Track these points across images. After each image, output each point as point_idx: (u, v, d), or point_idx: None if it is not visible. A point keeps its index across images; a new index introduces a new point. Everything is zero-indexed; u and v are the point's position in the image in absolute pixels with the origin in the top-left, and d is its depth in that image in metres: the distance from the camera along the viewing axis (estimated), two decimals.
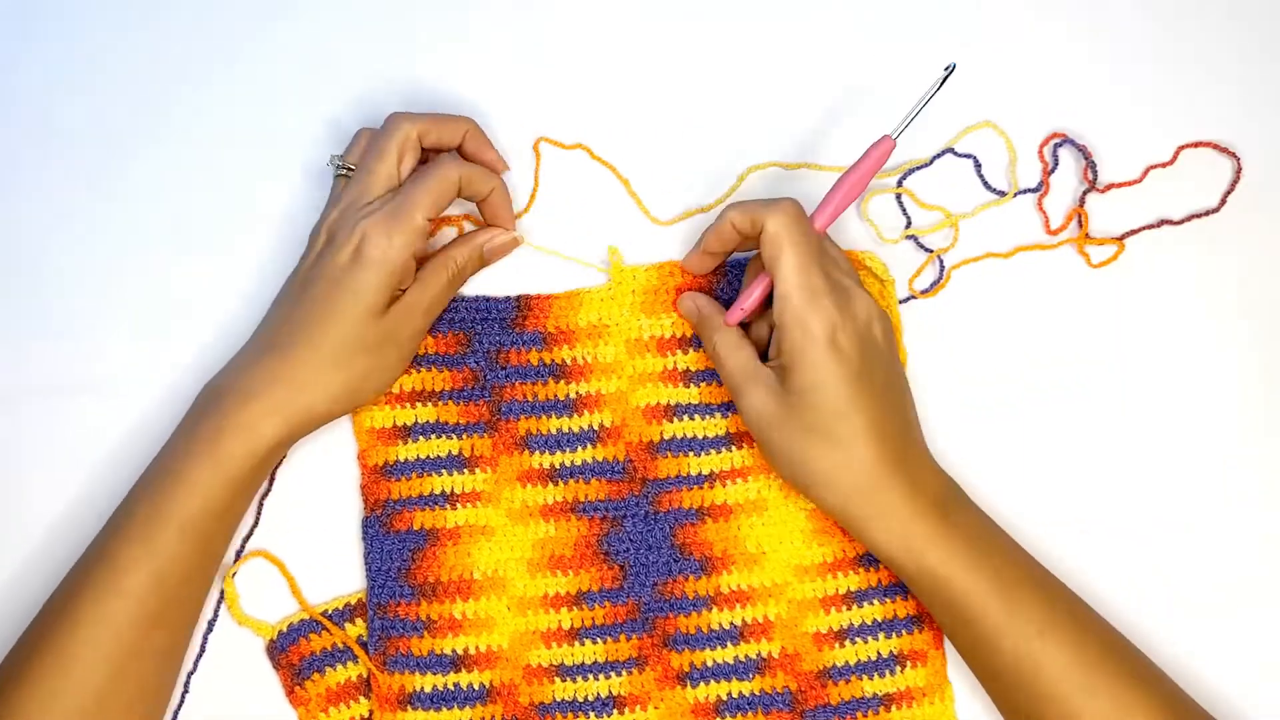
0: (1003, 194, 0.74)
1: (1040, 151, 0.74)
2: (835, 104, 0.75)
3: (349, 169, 0.69)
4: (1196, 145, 0.74)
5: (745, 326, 0.70)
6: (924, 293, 0.73)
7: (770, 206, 0.65)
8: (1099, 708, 0.61)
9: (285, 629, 0.70)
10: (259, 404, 0.65)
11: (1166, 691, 0.63)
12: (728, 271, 0.71)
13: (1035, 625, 0.62)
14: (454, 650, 0.69)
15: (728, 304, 0.71)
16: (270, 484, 0.72)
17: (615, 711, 0.69)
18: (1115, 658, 0.63)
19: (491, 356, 0.72)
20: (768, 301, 0.68)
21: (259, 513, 0.71)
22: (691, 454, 0.71)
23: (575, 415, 0.71)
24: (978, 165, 0.75)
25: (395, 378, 0.69)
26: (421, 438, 0.71)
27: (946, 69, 0.67)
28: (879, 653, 0.69)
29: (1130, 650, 0.64)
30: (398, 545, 0.70)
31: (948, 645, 0.69)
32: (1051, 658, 0.62)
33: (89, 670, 0.62)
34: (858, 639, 0.69)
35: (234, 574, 0.71)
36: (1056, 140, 0.74)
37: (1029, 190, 0.74)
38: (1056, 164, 0.74)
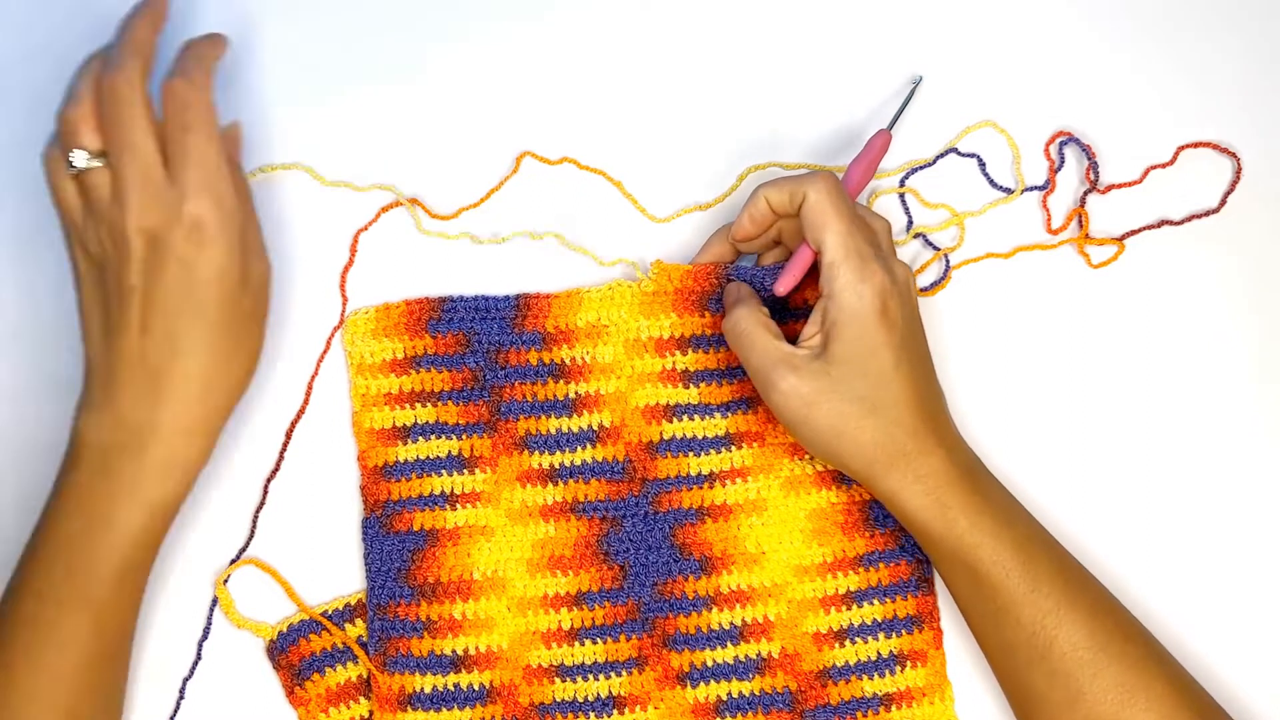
0: (1010, 191, 0.74)
1: (1046, 149, 0.74)
2: (836, 104, 0.75)
3: (98, 162, 0.62)
4: (1196, 145, 0.74)
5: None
6: (925, 291, 0.73)
7: (808, 179, 0.65)
8: (1103, 687, 0.62)
9: (285, 629, 0.70)
10: (172, 437, 0.62)
11: (1173, 675, 0.63)
12: (727, 280, 0.71)
13: (1053, 600, 0.63)
14: (454, 651, 0.69)
15: (719, 317, 0.71)
16: (264, 496, 0.72)
17: (615, 712, 0.69)
18: (1124, 639, 0.63)
19: (491, 356, 0.72)
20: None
21: (253, 525, 0.71)
22: (691, 454, 0.71)
23: (575, 415, 0.71)
24: (982, 164, 0.74)
25: (269, 278, 0.65)
26: (421, 438, 0.71)
27: (914, 82, 0.73)
28: (879, 653, 0.69)
29: (1141, 632, 0.64)
30: (397, 546, 0.70)
31: (948, 645, 0.70)
32: (1066, 634, 0.62)
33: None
34: (858, 639, 0.69)
35: (225, 580, 0.71)
36: (1062, 138, 0.74)
37: (1036, 188, 0.74)
38: (1062, 162, 0.74)
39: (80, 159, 0.62)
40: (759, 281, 0.70)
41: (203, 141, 0.61)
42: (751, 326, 0.66)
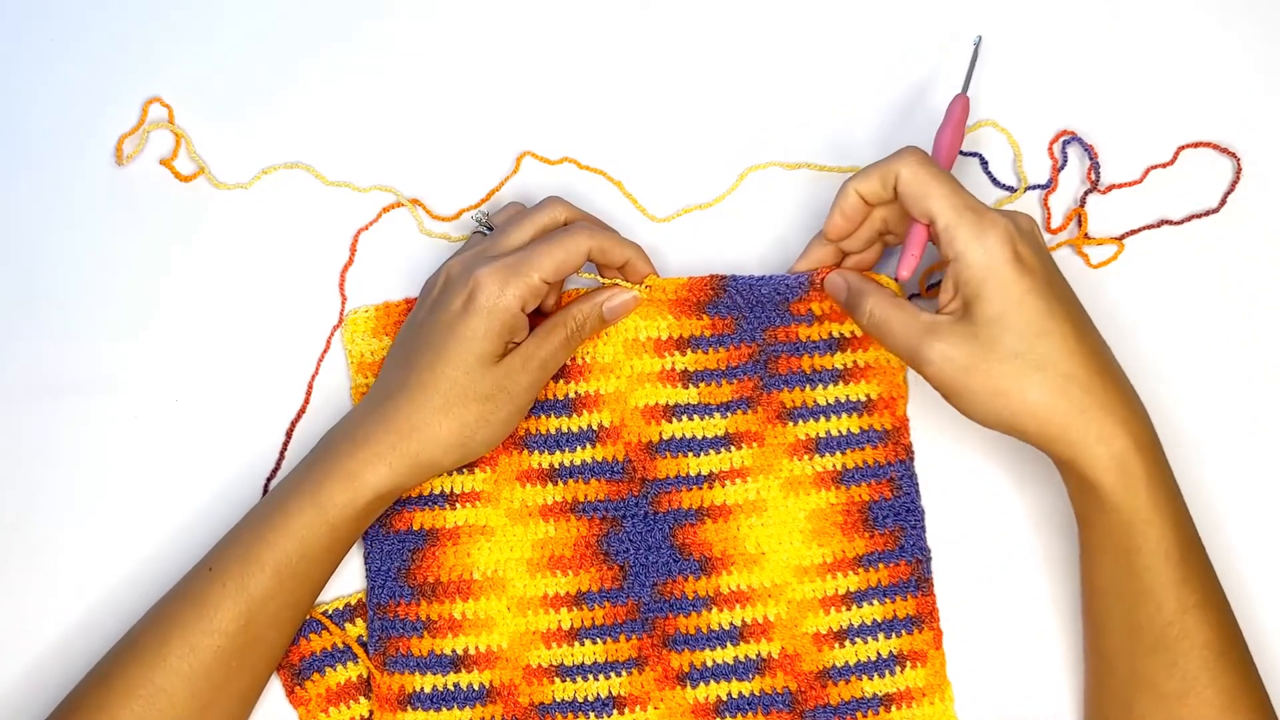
0: (1012, 189, 0.74)
1: (1050, 148, 0.74)
2: (837, 104, 0.75)
3: (489, 229, 0.70)
4: (1196, 145, 0.74)
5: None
6: (928, 292, 0.73)
7: (895, 158, 0.64)
8: (1216, 690, 0.61)
9: None
10: (365, 451, 0.65)
11: (1265, 692, 0.63)
12: (725, 288, 0.71)
13: (1199, 595, 0.61)
14: (454, 650, 0.69)
15: (719, 326, 0.71)
16: (266, 491, 0.72)
17: (615, 712, 0.69)
18: (1242, 648, 0.63)
19: None
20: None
21: None
22: (690, 454, 0.71)
23: (574, 415, 0.71)
24: (984, 162, 0.75)
25: (508, 430, 0.68)
26: None
27: (975, 42, 0.72)
28: (879, 653, 0.69)
29: (1244, 643, 0.64)
30: (397, 545, 0.70)
31: (947, 646, 0.69)
32: (1200, 631, 0.61)
33: (176, 703, 0.63)
34: (857, 639, 0.69)
35: None
36: (1066, 137, 0.74)
37: (1039, 186, 0.74)
38: (1065, 161, 0.74)
39: (479, 216, 0.71)
40: (774, 288, 0.70)
41: (540, 252, 0.66)
42: (886, 310, 0.64)
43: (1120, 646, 0.63)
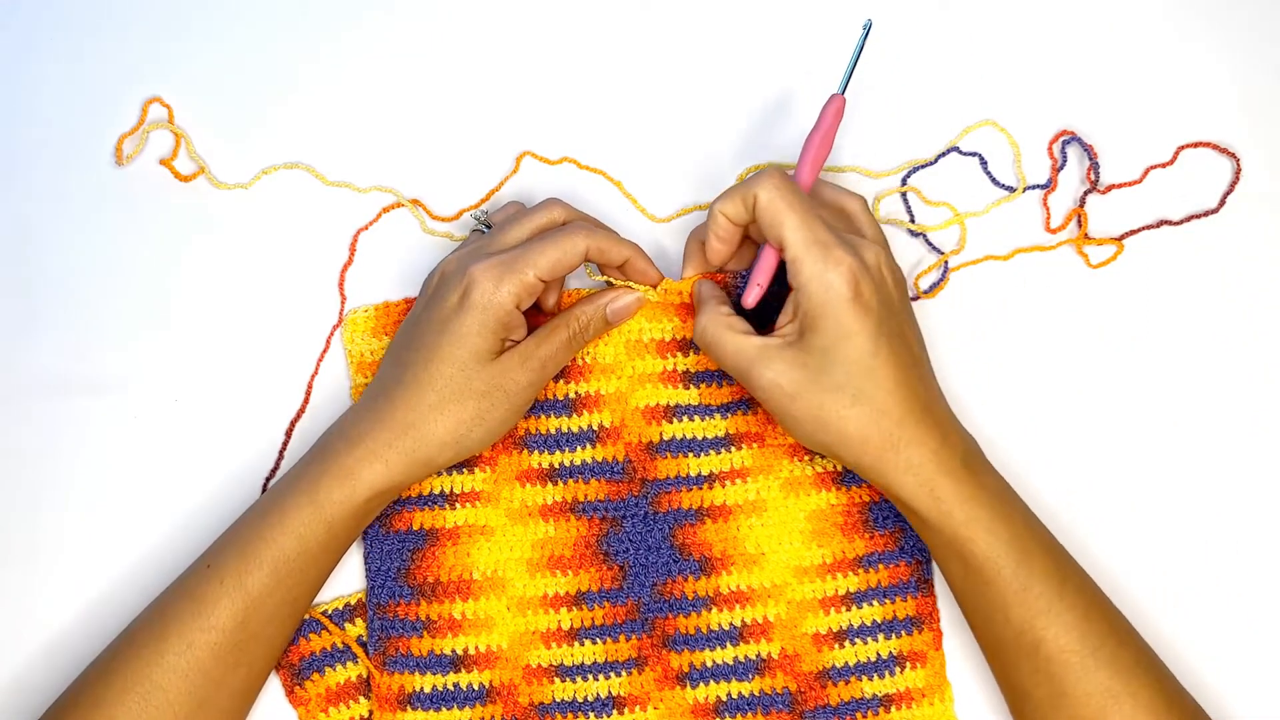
0: (1011, 189, 0.74)
1: (1050, 148, 0.74)
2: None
3: (487, 227, 0.70)
4: (1196, 145, 0.74)
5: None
6: (925, 293, 0.73)
7: (754, 180, 0.65)
8: (1087, 690, 0.62)
9: None
10: (361, 449, 0.65)
11: (1160, 682, 0.63)
12: (727, 289, 0.71)
13: (1045, 600, 0.62)
14: (453, 650, 0.69)
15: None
16: (266, 486, 0.72)
17: (615, 712, 0.69)
18: (1116, 643, 0.63)
19: None
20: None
21: None
22: (691, 455, 0.71)
23: (574, 415, 0.71)
24: (983, 162, 0.75)
25: (505, 428, 0.67)
26: None
27: (864, 26, 0.68)
28: (878, 654, 0.69)
29: (1132, 636, 0.64)
30: (397, 545, 0.70)
31: (948, 645, 0.70)
32: (1054, 634, 0.62)
33: (173, 700, 0.63)
34: (857, 640, 0.69)
35: None
36: (1066, 137, 0.74)
37: (1038, 186, 0.74)
38: (1065, 160, 0.74)
39: (478, 214, 0.72)
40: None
41: (535, 250, 0.66)
42: (718, 331, 0.66)
43: (992, 657, 0.65)
